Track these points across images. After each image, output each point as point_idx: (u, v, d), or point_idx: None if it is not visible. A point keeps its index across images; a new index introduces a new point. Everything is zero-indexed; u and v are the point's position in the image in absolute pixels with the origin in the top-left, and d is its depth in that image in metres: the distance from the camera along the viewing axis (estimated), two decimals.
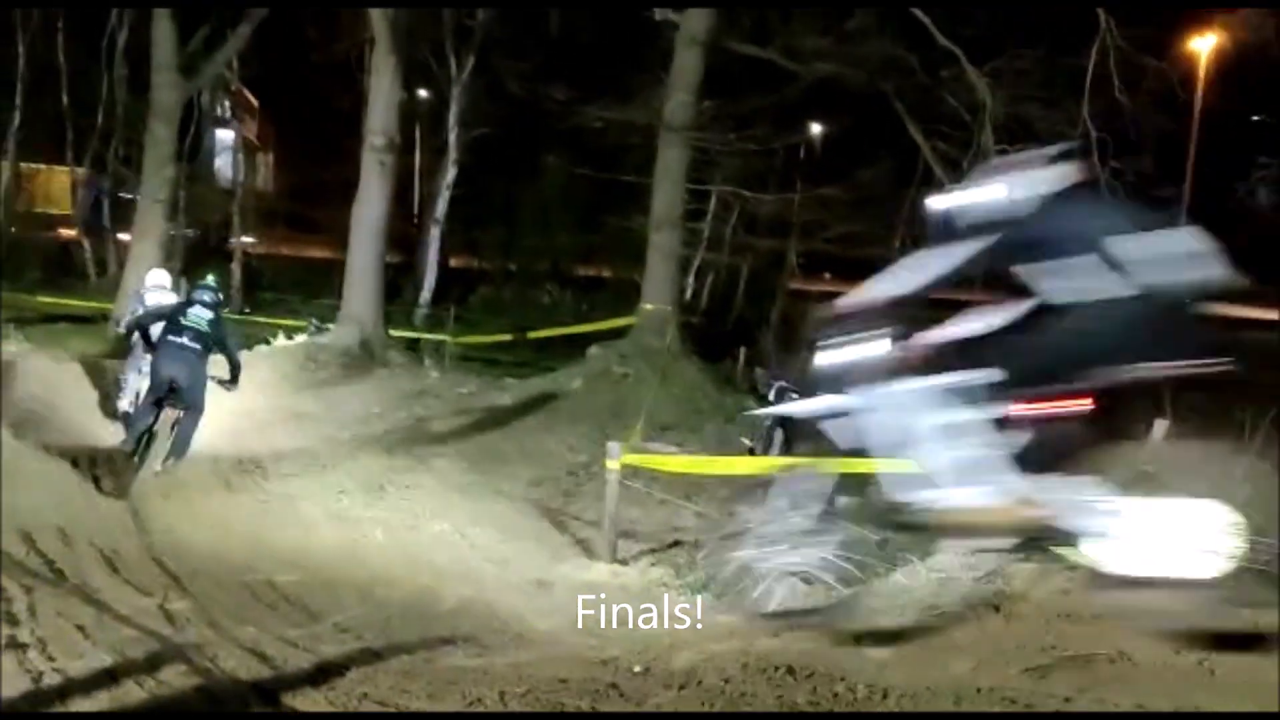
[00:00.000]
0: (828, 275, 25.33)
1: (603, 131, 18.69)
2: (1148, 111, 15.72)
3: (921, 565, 7.41)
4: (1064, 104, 15.18)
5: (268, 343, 15.80)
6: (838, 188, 19.47)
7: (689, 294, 18.39)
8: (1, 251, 21.67)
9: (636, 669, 5.10)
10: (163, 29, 18.49)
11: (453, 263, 27.70)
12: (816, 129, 23.63)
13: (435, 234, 25.22)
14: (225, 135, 33.71)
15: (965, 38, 15.21)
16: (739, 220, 20.37)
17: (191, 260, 23.12)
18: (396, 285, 21.54)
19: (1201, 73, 24.51)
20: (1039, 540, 4.56)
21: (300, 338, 16.32)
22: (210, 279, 9.69)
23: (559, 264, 28.38)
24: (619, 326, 16.85)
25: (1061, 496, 4.20)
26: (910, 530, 4.91)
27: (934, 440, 4.25)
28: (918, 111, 16.26)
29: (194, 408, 9.03)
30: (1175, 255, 4.02)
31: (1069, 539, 4.35)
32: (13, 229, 24.51)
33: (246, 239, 26.88)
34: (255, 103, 36.48)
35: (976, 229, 4.21)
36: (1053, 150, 4.35)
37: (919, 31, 15.20)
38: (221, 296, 9.67)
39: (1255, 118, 29.67)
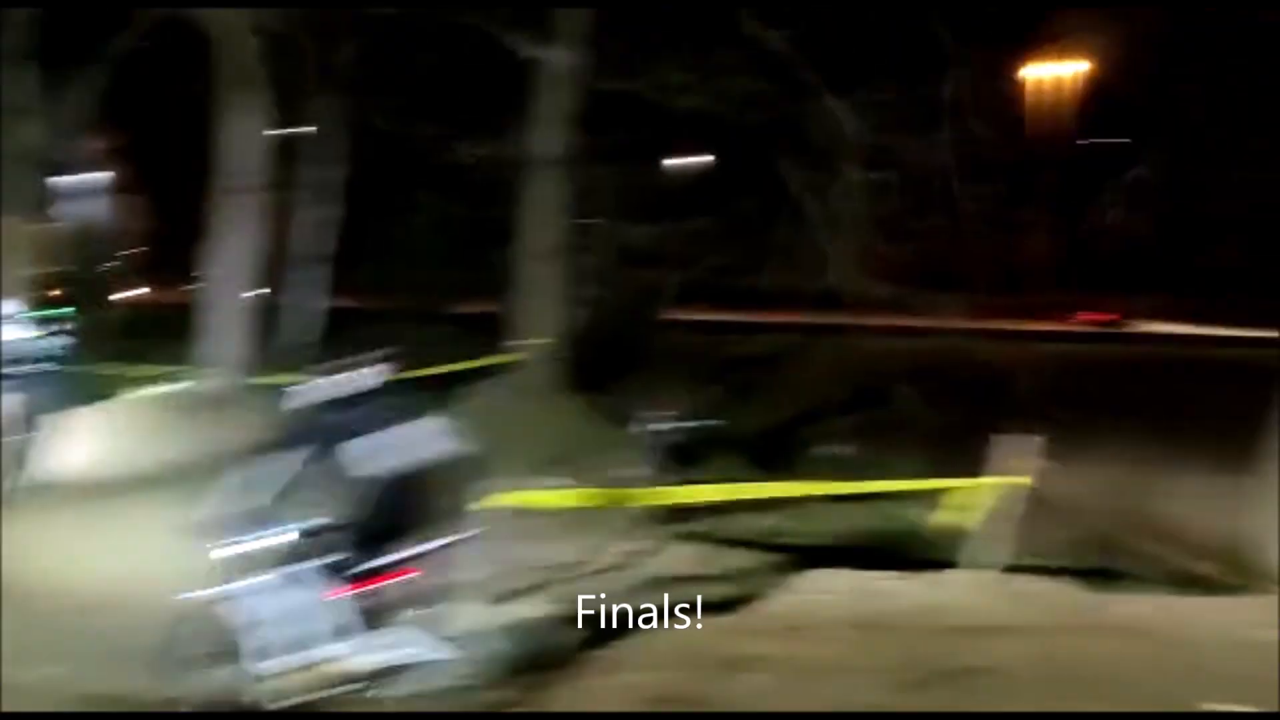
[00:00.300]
0: (703, 305, 25.58)
1: (475, 166, 18.55)
2: (1004, 136, 16.38)
3: (807, 586, 7.47)
4: (923, 131, 15.68)
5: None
6: (714, 217, 19.66)
7: (568, 327, 18.23)
8: None
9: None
10: (14, 68, 17.67)
11: (327, 303, 27.06)
12: (688, 160, 23.93)
13: (309, 274, 24.61)
14: (83, 179, 32.48)
15: (827, 71, 15.60)
16: (615, 252, 20.39)
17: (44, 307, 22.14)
18: (267, 327, 20.92)
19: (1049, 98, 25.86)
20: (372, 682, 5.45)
21: (165, 386, 15.68)
22: None
23: (437, 301, 27.96)
24: (500, 363, 16.68)
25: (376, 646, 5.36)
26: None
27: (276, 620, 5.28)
28: (784, 143, 16.58)
29: None
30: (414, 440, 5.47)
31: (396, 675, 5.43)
32: None
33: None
34: (115, 143, 35.28)
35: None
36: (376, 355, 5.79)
37: (781, 66, 15.52)
38: None
39: (1102, 140, 31.29)
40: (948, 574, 7.97)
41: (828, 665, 5.75)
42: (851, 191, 15.74)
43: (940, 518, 8.77)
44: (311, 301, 24.43)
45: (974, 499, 8.48)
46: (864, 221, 16.16)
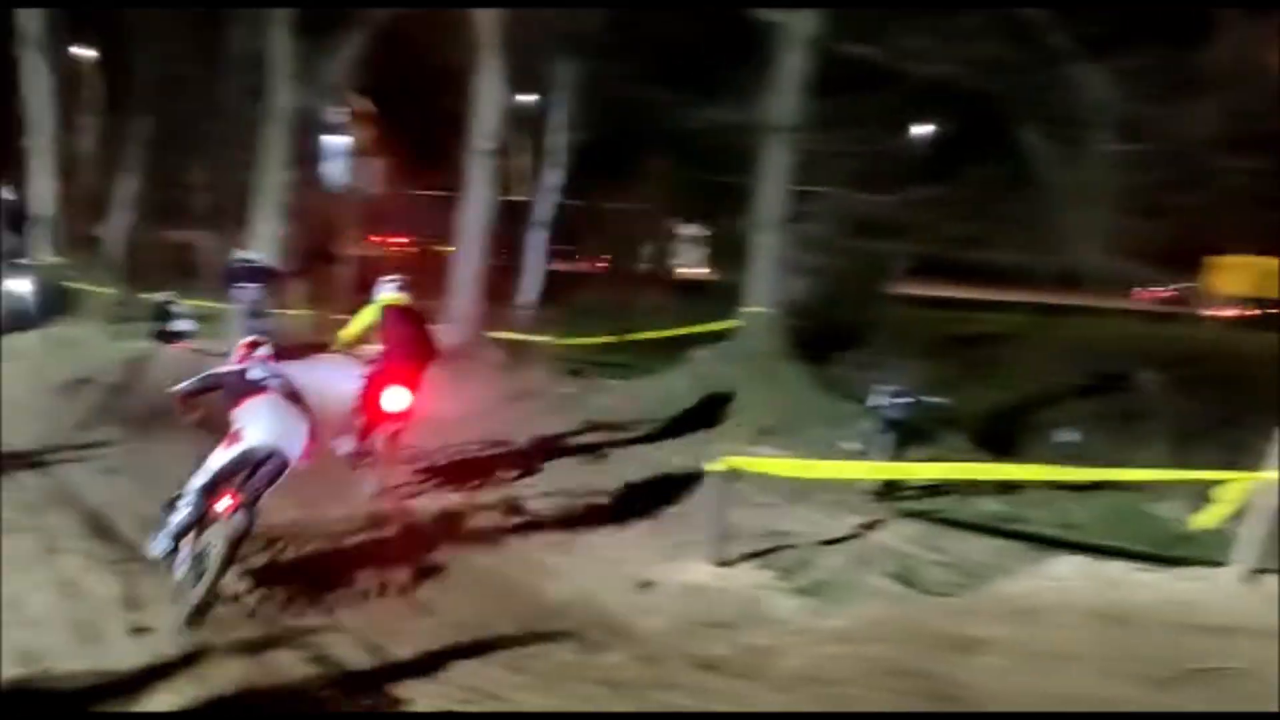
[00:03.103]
0: (938, 278, 24.88)
1: (707, 133, 18.58)
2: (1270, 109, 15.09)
3: (1036, 573, 7.21)
4: (1183, 100, 14.64)
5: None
6: (947, 188, 19.05)
7: (794, 296, 18.12)
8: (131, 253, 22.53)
9: (748, 671, 5.06)
10: (280, 37, 19.10)
11: (556, 265, 27.91)
12: (927, 128, 23.20)
13: (539, 237, 25.43)
14: (337, 141, 34.54)
15: (1081, 35, 14.76)
16: (846, 222, 20.06)
17: (303, 263, 23.77)
18: (500, 287, 21.76)
19: None
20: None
21: None
22: None
23: (662, 266, 28.39)
24: (723, 329, 16.77)
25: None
26: None
27: None
28: (1031, 111, 15.82)
29: None
30: None
31: None
32: None
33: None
34: (366, 108, 37.30)
35: None
36: None
37: (1031, 29, 14.81)
38: None
39: None
40: (1196, 570, 7.52)
41: (1064, 653, 5.53)
42: (1099, 163, 14.84)
43: (1191, 512, 8.28)
44: (541, 263, 25.25)
45: (1228, 494, 7.96)
46: (1111, 195, 15.26)
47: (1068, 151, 15.43)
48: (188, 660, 4.82)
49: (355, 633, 5.44)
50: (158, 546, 5.98)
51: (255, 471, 6.06)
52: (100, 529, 7.14)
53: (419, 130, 32.00)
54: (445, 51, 24.38)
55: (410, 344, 9.24)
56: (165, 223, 27.00)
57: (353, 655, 5.08)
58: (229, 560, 5.88)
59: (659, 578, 7.67)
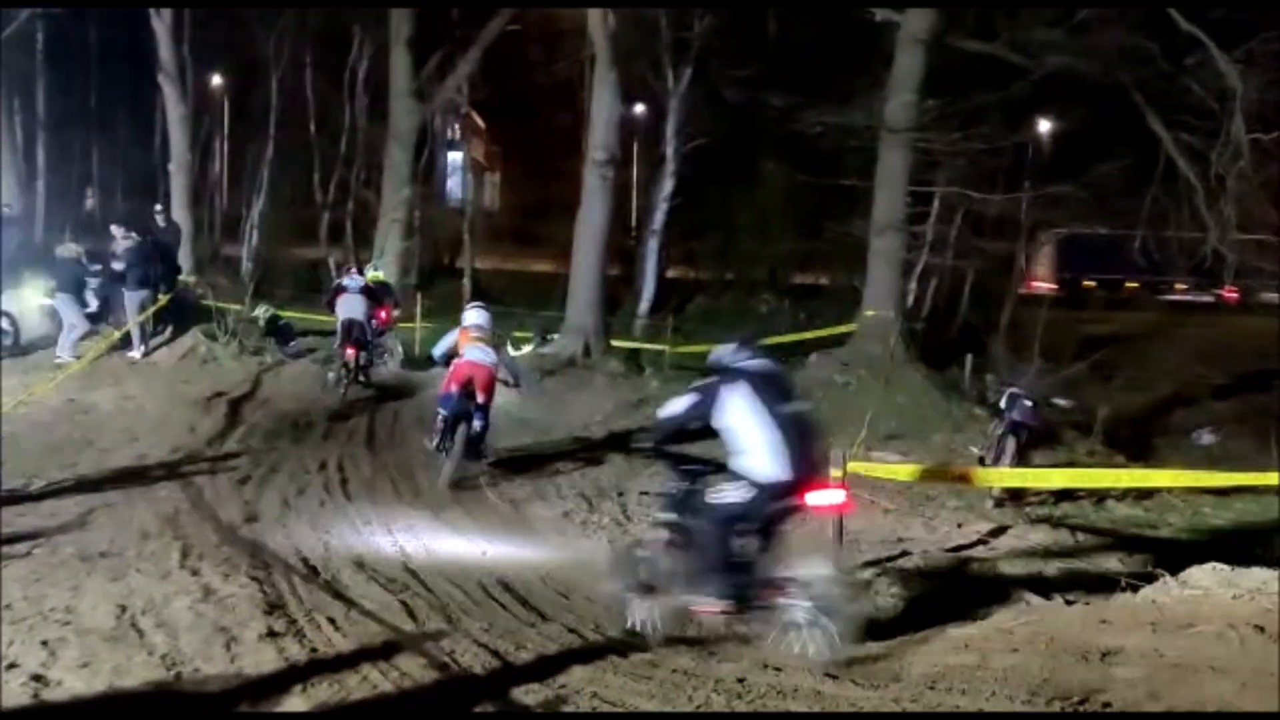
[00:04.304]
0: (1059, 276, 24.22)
1: (821, 136, 18.44)
2: None
3: (1174, 581, 6.94)
4: None
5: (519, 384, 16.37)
6: (1070, 185, 18.52)
7: (911, 299, 17.87)
8: (260, 271, 23.38)
9: (868, 678, 4.99)
10: (400, 57, 19.68)
11: (670, 273, 28.02)
12: (1046, 125, 22.61)
13: (653, 245, 25.58)
14: (455, 157, 35.37)
15: (1211, 21, 14.19)
16: (964, 222, 19.68)
17: (425, 277, 24.37)
18: (616, 296, 21.95)
19: None
20: None
21: (527, 348, 16.86)
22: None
23: (776, 272, 28.24)
24: (839, 334, 16.62)
25: None
26: None
27: None
28: (1158, 102, 15.25)
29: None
30: None
31: None
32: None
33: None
34: (482, 124, 38.12)
35: None
36: None
37: (1159, 17, 14.30)
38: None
39: None
40: None
41: (1203, 664, 5.31)
42: (1239, 154, 14.19)
43: None
44: (653, 271, 25.40)
45: None
46: (1252, 187, 14.59)
47: (1201, 142, 14.80)
48: (320, 665, 4.98)
49: (475, 638, 5.53)
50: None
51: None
52: (233, 537, 7.42)
53: (536, 144, 32.62)
54: (559, 65, 24.85)
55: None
56: (294, 240, 27.98)
57: (473, 661, 5.17)
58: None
59: None
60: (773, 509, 5.71)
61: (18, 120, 23.91)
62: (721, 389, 5.77)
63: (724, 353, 6.09)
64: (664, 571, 5.98)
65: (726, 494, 5.70)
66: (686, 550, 5.89)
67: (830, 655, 5.28)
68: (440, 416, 10.32)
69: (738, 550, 5.72)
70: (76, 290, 13.58)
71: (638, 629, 5.98)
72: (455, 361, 10.44)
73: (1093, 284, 26.41)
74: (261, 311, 15.78)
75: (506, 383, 10.71)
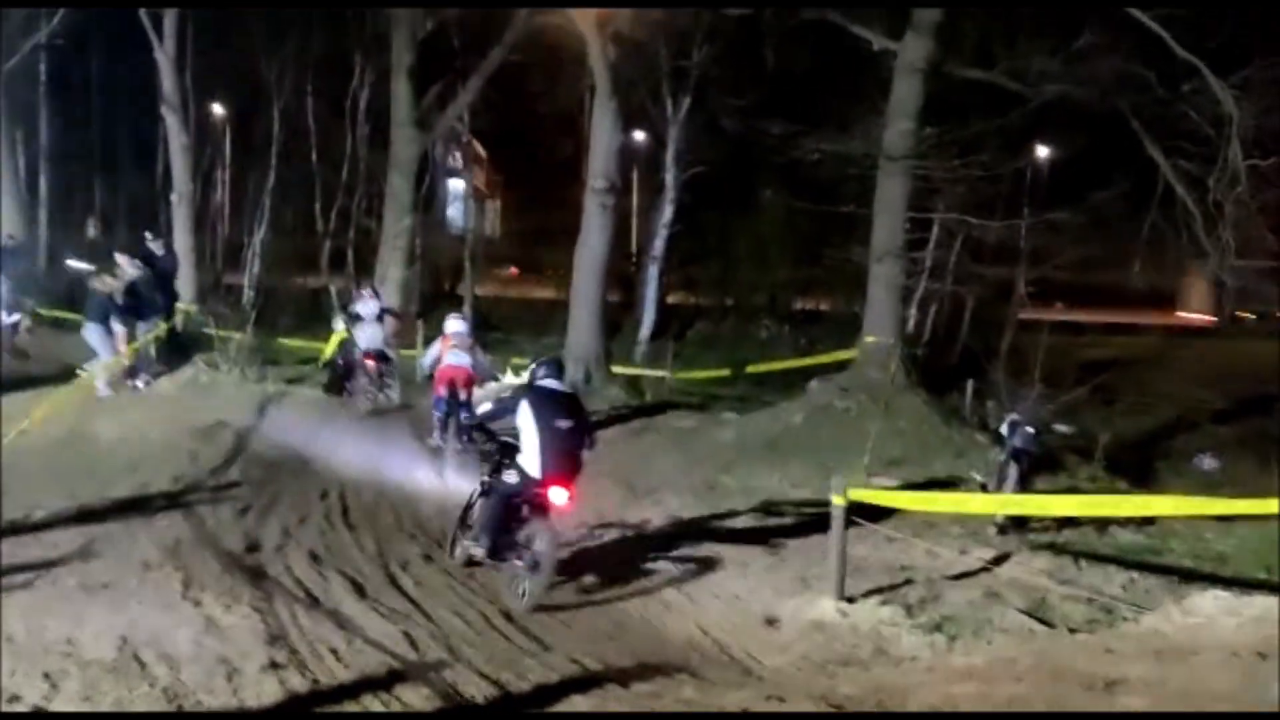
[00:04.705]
0: (1059, 304, 24.22)
1: (820, 163, 18.50)
2: None
3: (1175, 608, 6.93)
4: None
5: (496, 379, 16.40)
6: (1069, 211, 18.59)
7: (911, 325, 17.91)
8: (262, 299, 23.43)
9: (872, 710, 4.98)
10: (401, 86, 19.79)
11: (670, 299, 28.10)
12: (1045, 151, 22.73)
13: (653, 272, 25.69)
14: (457, 184, 35.53)
15: (1207, 48, 14.27)
16: (964, 248, 19.75)
17: (426, 304, 24.42)
18: (617, 323, 22.00)
19: None
20: None
21: (526, 374, 16.82)
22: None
23: (776, 298, 28.33)
24: (840, 360, 16.62)
25: None
26: None
27: None
28: (1155, 128, 15.32)
29: None
30: None
31: None
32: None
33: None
34: (484, 152, 38.30)
35: None
36: None
37: (1155, 45, 14.38)
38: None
39: None
40: None
41: (1208, 693, 5.29)
42: (1236, 180, 14.25)
43: None
44: (653, 297, 25.48)
45: None
46: (1250, 213, 14.63)
47: (1198, 169, 14.86)
48: (321, 696, 4.97)
49: (473, 666, 5.52)
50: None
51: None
52: (236, 567, 7.41)
53: (536, 171, 32.75)
54: (559, 94, 24.98)
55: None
56: (296, 268, 28.07)
57: (473, 690, 5.16)
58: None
59: (783, 614, 7.61)
60: (529, 495, 7.67)
61: (20, 151, 24.06)
62: (521, 400, 7.87)
63: (533, 370, 8.35)
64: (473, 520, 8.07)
65: (507, 477, 7.80)
66: (484, 506, 7.98)
67: (532, 601, 7.24)
68: (436, 416, 12.19)
69: (504, 518, 7.74)
70: (104, 321, 13.57)
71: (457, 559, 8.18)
72: (438, 368, 12.23)
73: (1249, 315, 25.34)
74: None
75: (484, 380, 12.55)
